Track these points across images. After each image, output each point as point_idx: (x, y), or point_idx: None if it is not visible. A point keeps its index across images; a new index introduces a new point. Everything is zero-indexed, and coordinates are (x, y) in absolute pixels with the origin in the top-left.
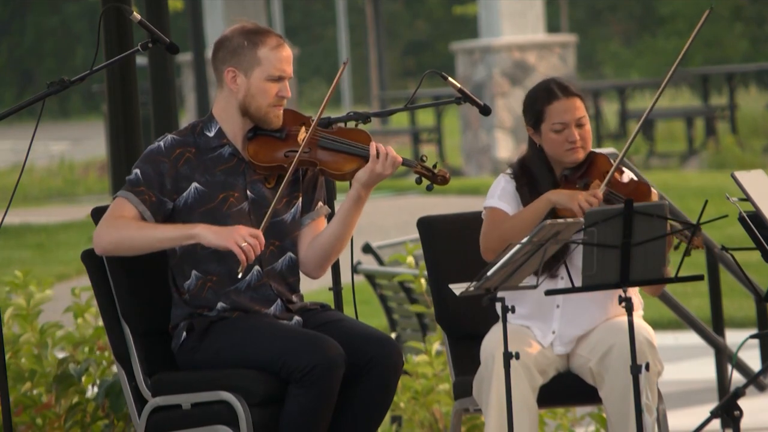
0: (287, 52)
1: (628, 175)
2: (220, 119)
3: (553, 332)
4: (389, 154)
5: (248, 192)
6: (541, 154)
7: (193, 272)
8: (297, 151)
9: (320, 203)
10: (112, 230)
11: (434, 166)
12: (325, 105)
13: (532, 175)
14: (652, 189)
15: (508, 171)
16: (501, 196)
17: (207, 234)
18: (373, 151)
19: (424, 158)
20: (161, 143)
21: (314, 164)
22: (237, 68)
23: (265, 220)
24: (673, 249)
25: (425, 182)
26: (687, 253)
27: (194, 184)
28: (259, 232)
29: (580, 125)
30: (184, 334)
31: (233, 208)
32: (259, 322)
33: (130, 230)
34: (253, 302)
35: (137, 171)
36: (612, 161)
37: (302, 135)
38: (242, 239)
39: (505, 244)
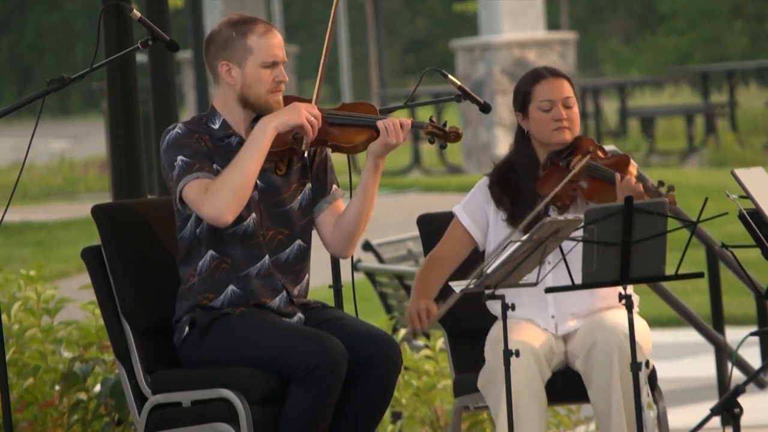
0: (277, 37)
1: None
2: (222, 112)
3: (552, 316)
4: (398, 123)
5: (258, 181)
6: (528, 143)
7: (210, 252)
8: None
9: (335, 186)
10: (216, 197)
11: (444, 125)
12: (321, 77)
13: (512, 170)
14: (631, 160)
15: (487, 174)
16: (467, 203)
17: (281, 120)
18: (382, 126)
19: (433, 119)
20: (177, 130)
21: (324, 141)
22: (230, 61)
23: (315, 91)
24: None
25: (438, 141)
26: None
27: (215, 166)
28: (315, 107)
29: (567, 106)
30: (187, 329)
31: None
32: (261, 319)
33: (229, 181)
34: (262, 289)
35: (180, 158)
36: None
37: None
38: (308, 114)
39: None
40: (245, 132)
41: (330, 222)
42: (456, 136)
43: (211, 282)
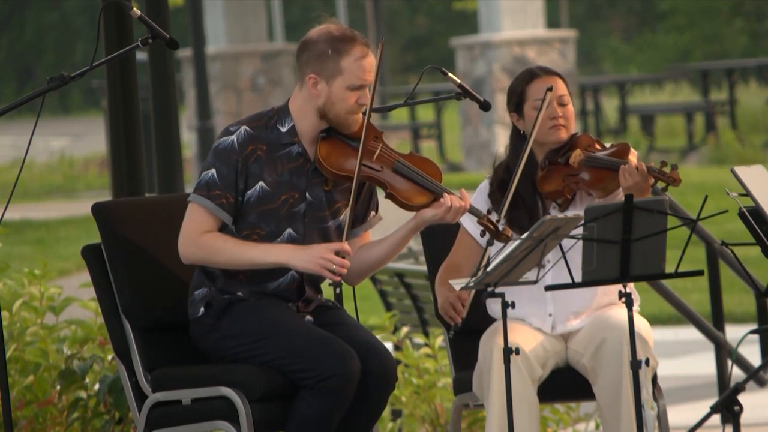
0: (371, 59)
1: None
2: (295, 116)
3: (550, 315)
4: (462, 208)
5: (307, 194)
6: (524, 144)
7: None
8: (370, 167)
9: (373, 213)
10: (198, 250)
11: (497, 221)
12: (366, 122)
13: (510, 173)
14: (631, 149)
15: (488, 176)
16: (471, 213)
17: (296, 262)
18: (447, 203)
19: (491, 211)
20: (234, 138)
21: (384, 186)
22: (319, 75)
23: (345, 232)
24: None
25: (489, 236)
26: (665, 189)
27: (261, 183)
28: (344, 244)
29: (562, 104)
30: (202, 309)
31: (291, 209)
32: (279, 315)
33: (218, 254)
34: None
35: (213, 171)
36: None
37: (378, 152)
38: (330, 262)
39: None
40: (310, 142)
41: (354, 248)
42: (506, 239)
43: (225, 281)
